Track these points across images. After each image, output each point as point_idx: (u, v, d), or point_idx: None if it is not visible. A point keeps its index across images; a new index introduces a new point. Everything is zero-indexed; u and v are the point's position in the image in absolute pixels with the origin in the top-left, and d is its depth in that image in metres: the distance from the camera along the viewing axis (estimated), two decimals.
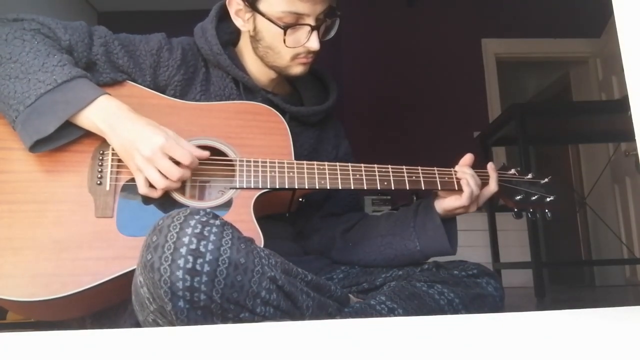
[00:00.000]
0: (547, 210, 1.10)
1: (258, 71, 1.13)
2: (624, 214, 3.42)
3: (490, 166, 1.09)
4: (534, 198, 1.09)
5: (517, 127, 2.66)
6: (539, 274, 2.52)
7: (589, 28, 3.77)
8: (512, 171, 1.13)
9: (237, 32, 1.15)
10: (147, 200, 0.92)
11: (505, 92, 4.10)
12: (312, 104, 1.18)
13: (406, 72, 3.89)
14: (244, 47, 1.14)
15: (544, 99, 4.94)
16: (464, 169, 1.05)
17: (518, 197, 1.09)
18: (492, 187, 1.06)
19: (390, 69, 3.90)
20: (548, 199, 1.10)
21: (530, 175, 1.12)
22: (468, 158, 1.08)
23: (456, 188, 1.03)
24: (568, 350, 0.46)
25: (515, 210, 1.11)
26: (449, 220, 1.08)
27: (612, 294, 2.94)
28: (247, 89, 1.10)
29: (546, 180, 1.12)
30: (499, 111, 3.81)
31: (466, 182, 1.02)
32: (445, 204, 1.05)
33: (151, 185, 0.91)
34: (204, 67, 1.10)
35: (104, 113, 0.90)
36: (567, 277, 4.32)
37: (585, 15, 3.70)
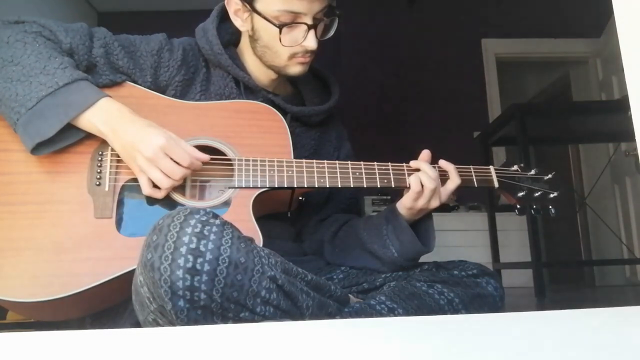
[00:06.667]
0: (550, 207, 1.08)
1: (258, 71, 1.13)
2: (624, 214, 3.41)
3: (443, 162, 1.05)
4: (537, 194, 1.08)
5: (517, 127, 2.65)
6: (539, 274, 2.52)
7: (589, 28, 3.77)
8: (515, 167, 1.11)
9: (238, 33, 1.15)
10: (146, 200, 0.92)
11: (505, 92, 4.10)
12: (314, 105, 1.18)
13: (406, 72, 3.89)
14: (245, 47, 1.14)
15: (544, 99, 4.94)
16: (417, 164, 1.03)
17: (520, 194, 1.07)
18: (455, 180, 1.03)
19: (390, 69, 3.90)
20: (552, 195, 1.08)
21: (533, 172, 1.10)
22: (425, 154, 1.05)
23: (457, 181, 1.03)
24: (568, 350, 0.46)
25: (518, 207, 1.09)
26: (424, 218, 1.06)
27: (612, 294, 2.94)
28: (248, 89, 1.10)
29: (550, 176, 1.10)
30: (499, 111, 3.81)
31: (416, 178, 1.00)
32: (404, 201, 1.02)
33: (154, 186, 0.91)
34: (204, 67, 1.10)
35: (105, 115, 0.90)
36: (567, 277, 4.31)
37: (585, 15, 3.70)
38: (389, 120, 3.78)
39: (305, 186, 0.98)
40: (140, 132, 0.89)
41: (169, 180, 0.90)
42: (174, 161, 0.90)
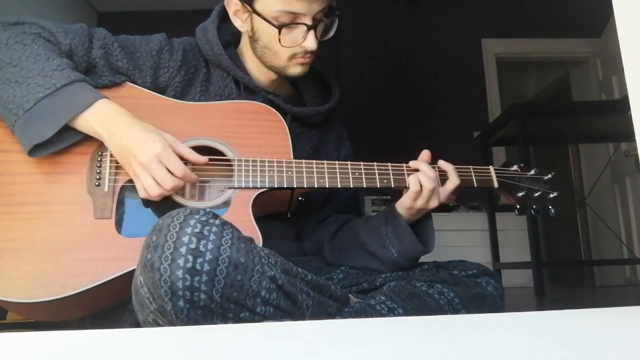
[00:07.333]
0: (550, 207, 1.08)
1: (258, 72, 1.13)
2: (624, 214, 3.41)
3: (442, 163, 1.05)
4: (536, 194, 1.08)
5: (517, 127, 2.65)
6: (539, 274, 2.52)
7: (589, 28, 3.77)
8: (515, 167, 1.11)
9: (238, 33, 1.15)
10: (145, 201, 0.92)
11: (505, 92, 4.10)
12: (314, 105, 1.18)
13: (406, 72, 3.89)
14: (245, 47, 1.14)
15: (544, 99, 4.94)
16: (416, 164, 1.03)
17: (520, 194, 1.07)
18: (454, 181, 1.03)
19: (390, 69, 3.90)
20: (551, 195, 1.08)
21: (533, 172, 1.10)
22: (425, 155, 1.05)
23: (456, 182, 1.03)
24: (568, 350, 0.46)
25: (518, 207, 1.09)
26: (424, 218, 1.06)
27: (612, 294, 2.94)
28: (248, 90, 1.10)
29: (549, 176, 1.10)
30: (499, 111, 3.81)
31: (415, 178, 1.00)
32: (403, 201, 1.02)
33: None
34: (204, 68, 1.10)
35: (102, 117, 0.90)
36: (567, 277, 4.32)
37: (585, 15, 3.70)
38: (389, 120, 3.78)
39: (305, 186, 0.98)
40: (136, 136, 0.89)
41: (159, 189, 0.88)
42: (169, 170, 0.89)
